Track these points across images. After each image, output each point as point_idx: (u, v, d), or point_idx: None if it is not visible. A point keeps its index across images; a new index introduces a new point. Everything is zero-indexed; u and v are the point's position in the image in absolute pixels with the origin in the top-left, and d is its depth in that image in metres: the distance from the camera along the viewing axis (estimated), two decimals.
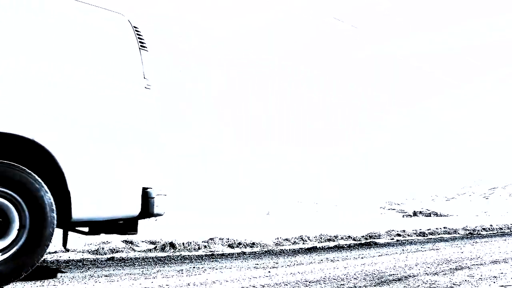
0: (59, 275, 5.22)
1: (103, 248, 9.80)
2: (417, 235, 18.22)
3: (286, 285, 4.70)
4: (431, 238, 15.35)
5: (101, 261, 7.08)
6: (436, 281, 4.92)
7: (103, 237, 14.01)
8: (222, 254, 8.66)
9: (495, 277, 5.29)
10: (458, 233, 19.83)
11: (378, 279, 5.09)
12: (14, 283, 4.55)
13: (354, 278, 5.14)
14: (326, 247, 10.50)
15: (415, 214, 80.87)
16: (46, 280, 4.73)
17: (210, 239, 14.21)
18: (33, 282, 4.65)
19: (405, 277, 5.22)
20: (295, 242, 14.59)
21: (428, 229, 21.23)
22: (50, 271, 5.66)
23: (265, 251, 9.66)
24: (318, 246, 10.51)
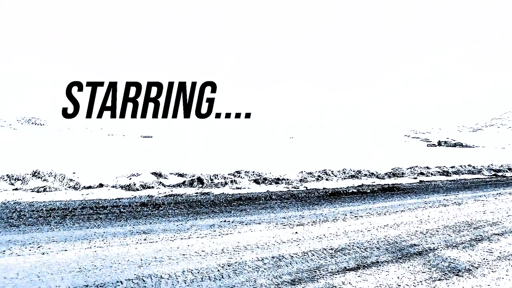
0: (102, 230, 5.79)
1: (134, 184, 10.53)
2: (440, 174, 18.39)
3: (313, 254, 5.07)
4: (454, 181, 15.50)
5: (136, 207, 7.69)
6: (455, 259, 5.16)
7: (132, 168, 14.92)
8: (250, 199, 9.14)
9: None
10: (483, 174, 19.83)
11: (399, 251, 5.38)
12: (64, 243, 5.12)
13: (377, 248, 5.45)
14: (349, 191, 10.87)
15: (439, 143, 79.32)
16: (92, 240, 5.29)
17: (236, 171, 14.89)
18: (81, 242, 5.22)
19: (426, 250, 5.48)
20: (319, 176, 15.08)
21: (452, 167, 21.22)
22: (94, 224, 6.26)
23: (290, 195, 10.11)
24: (341, 191, 10.89)
